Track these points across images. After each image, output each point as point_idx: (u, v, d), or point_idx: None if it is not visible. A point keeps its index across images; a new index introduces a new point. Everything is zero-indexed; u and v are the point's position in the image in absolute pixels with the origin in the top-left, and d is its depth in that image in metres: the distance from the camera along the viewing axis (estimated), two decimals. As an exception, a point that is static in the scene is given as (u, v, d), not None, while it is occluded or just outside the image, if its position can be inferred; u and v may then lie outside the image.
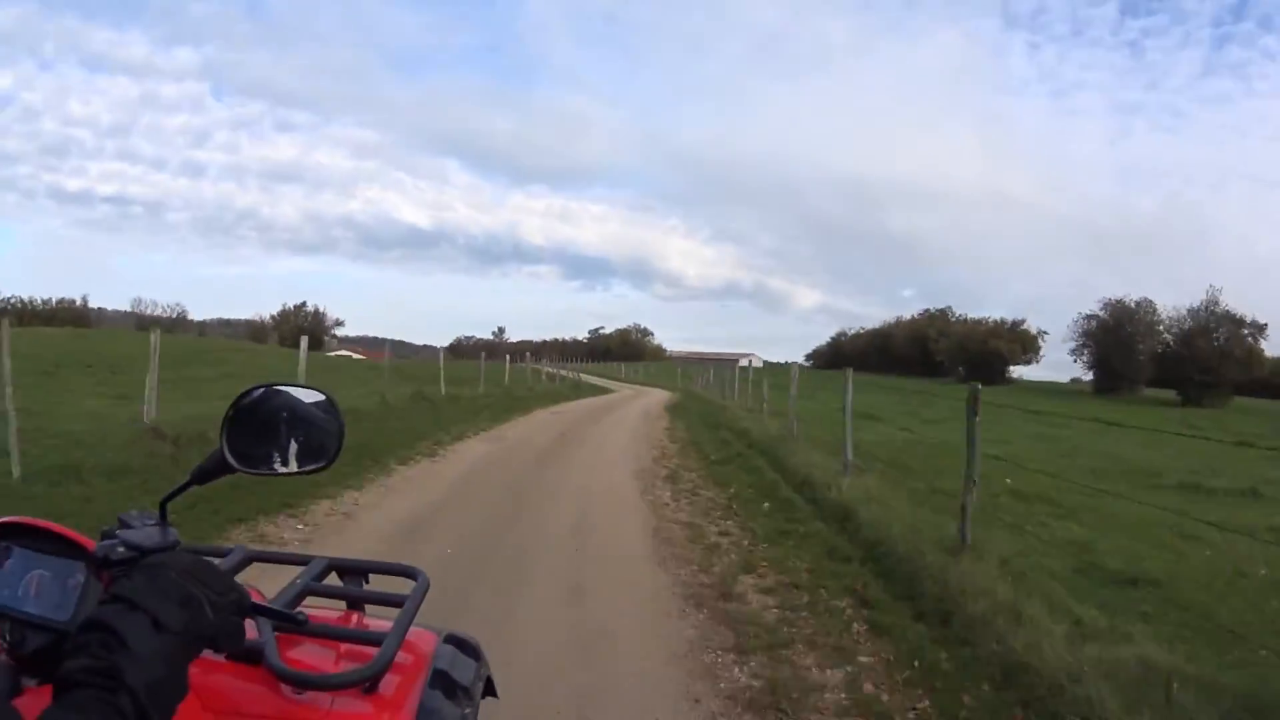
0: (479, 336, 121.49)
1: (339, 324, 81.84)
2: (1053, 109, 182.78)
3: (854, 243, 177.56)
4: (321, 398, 1.14)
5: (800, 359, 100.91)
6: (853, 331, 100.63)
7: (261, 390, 1.11)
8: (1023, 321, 73.98)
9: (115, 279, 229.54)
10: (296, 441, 1.10)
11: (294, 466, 1.10)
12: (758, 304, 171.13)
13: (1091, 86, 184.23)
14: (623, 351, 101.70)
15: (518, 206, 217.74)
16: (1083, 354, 63.07)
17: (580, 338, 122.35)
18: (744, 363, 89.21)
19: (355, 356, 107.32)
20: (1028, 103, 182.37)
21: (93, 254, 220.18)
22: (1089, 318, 62.46)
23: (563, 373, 35.91)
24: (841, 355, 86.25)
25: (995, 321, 75.52)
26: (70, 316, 61.22)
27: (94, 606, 0.80)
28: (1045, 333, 72.49)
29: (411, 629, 1.08)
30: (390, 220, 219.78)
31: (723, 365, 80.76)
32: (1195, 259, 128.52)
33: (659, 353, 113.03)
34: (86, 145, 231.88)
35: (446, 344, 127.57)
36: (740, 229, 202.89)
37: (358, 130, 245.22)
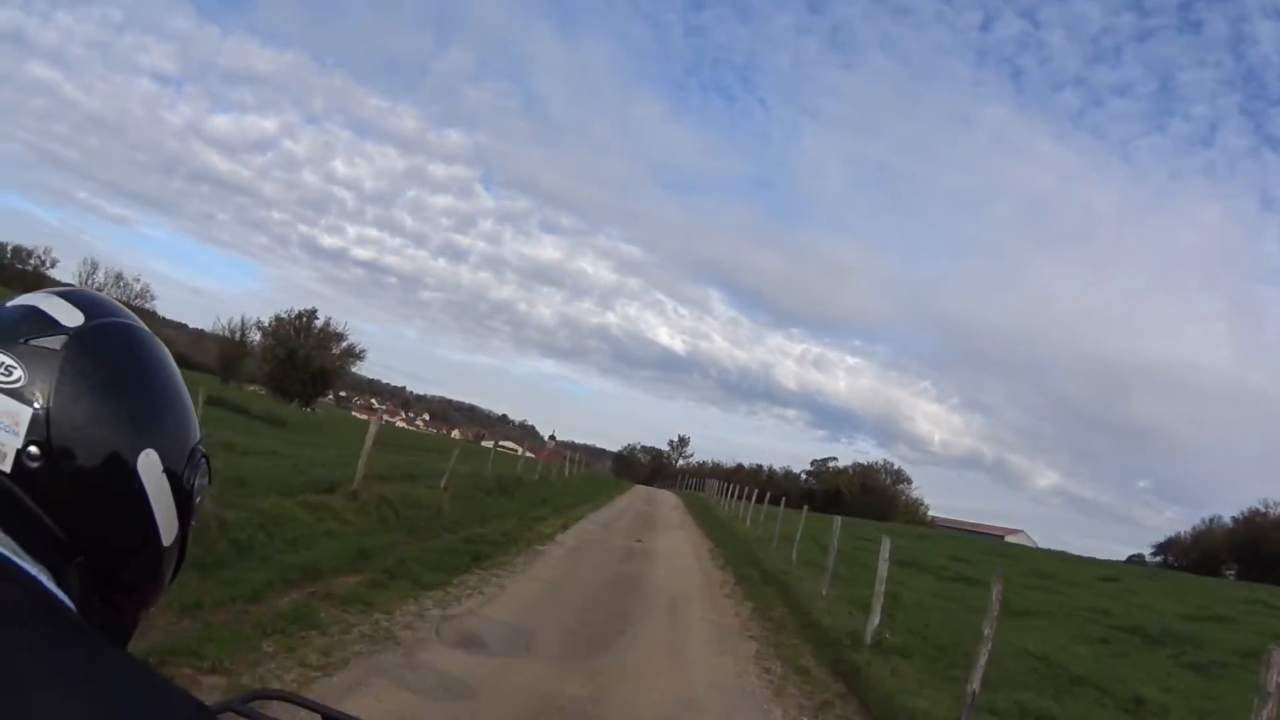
0: (657, 447, 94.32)
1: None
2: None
3: (1094, 426, 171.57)
4: None
5: (1143, 550, 62.29)
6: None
7: None
8: None
9: (359, 342, 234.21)
10: None
11: None
12: (995, 477, 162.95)
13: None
14: (861, 501, 66.90)
15: (775, 347, 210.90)
16: None
17: (797, 470, 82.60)
18: (1012, 538, 67.12)
19: (514, 449, 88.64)
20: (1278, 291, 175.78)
21: (340, 313, 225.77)
22: None
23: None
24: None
25: None
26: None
27: None
28: None
29: None
30: (644, 340, 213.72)
31: (987, 539, 60.42)
32: None
33: (916, 511, 73.38)
34: (347, 206, 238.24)
35: (616, 449, 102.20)
36: (988, 400, 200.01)
37: (624, 245, 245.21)
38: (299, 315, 53.33)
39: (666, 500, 36.14)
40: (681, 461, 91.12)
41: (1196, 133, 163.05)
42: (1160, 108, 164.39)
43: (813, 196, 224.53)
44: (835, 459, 79.54)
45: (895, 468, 78.28)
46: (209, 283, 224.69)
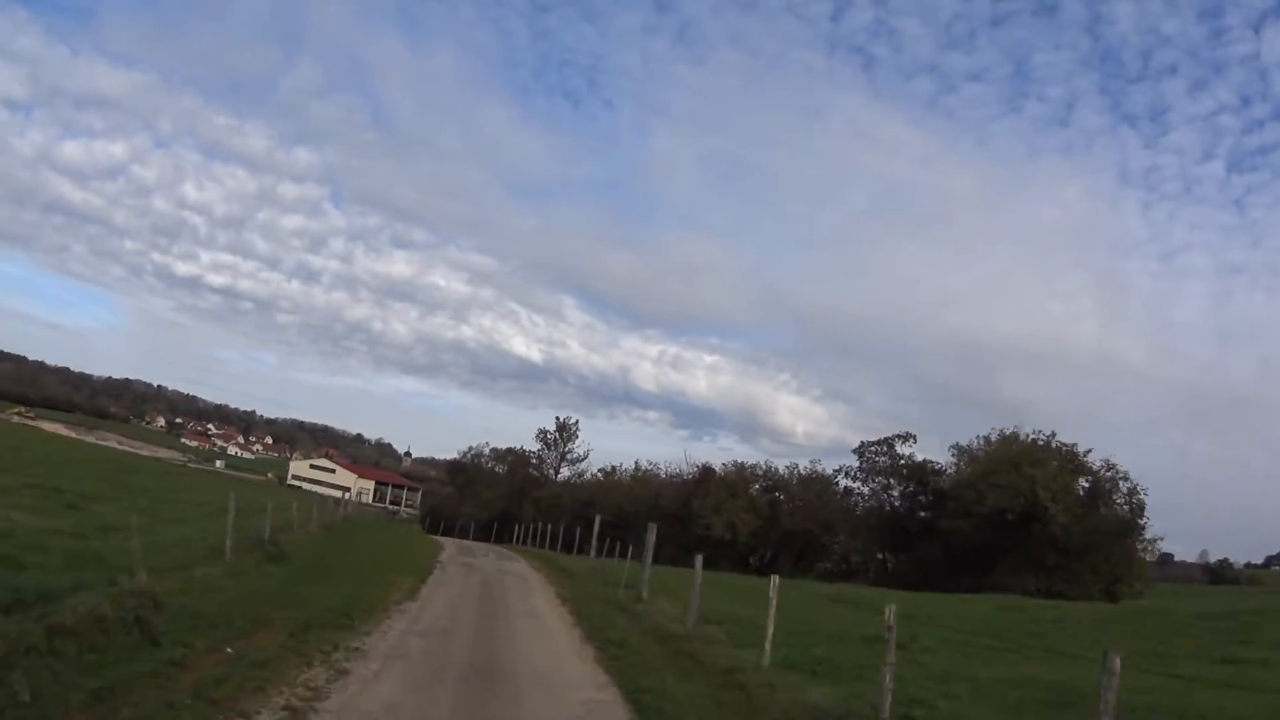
0: (523, 449, 58.35)
1: None
2: (1162, 270, 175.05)
3: (962, 406, 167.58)
4: None
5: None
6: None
7: None
8: None
9: (220, 372, 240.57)
10: None
11: None
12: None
13: (1199, 246, 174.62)
14: (1080, 533, 35.76)
15: (631, 349, 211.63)
16: None
17: (831, 467, 48.80)
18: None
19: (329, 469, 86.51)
20: (1139, 263, 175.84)
21: (200, 342, 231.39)
22: None
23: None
24: None
25: None
26: None
27: None
28: None
29: None
30: (501, 351, 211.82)
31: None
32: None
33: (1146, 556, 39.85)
34: (199, 232, 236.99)
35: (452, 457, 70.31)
36: (851, 388, 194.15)
37: (476, 256, 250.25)
38: None
39: None
40: (566, 470, 55.16)
41: (1053, 113, 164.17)
42: (1016, 90, 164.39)
43: (664, 195, 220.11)
44: (911, 435, 43.58)
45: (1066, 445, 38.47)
46: (68, 318, 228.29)
